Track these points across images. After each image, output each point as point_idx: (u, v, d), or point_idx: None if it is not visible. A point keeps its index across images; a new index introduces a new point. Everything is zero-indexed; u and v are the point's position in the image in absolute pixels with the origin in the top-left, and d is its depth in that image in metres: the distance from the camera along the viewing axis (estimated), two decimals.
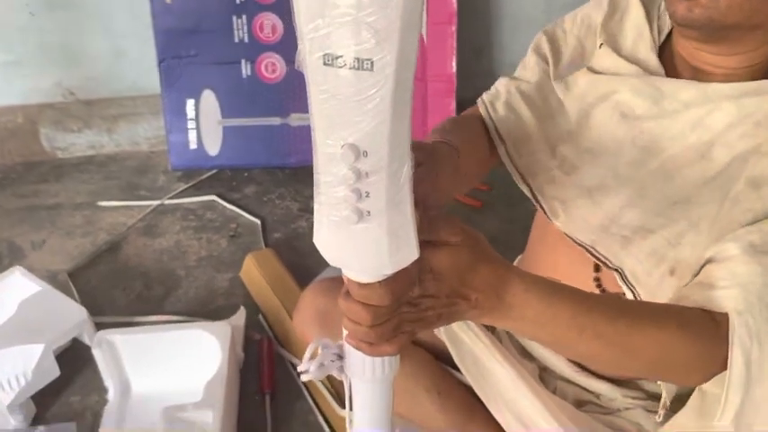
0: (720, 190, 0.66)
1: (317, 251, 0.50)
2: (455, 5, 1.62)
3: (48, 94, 1.86)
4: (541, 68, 0.83)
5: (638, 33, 0.77)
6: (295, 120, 1.70)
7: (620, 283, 0.71)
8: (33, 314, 1.14)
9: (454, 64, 1.66)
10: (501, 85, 0.84)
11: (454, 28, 1.63)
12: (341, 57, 0.40)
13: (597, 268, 0.78)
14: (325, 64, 0.40)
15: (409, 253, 0.47)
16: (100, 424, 1.07)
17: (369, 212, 0.45)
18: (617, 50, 0.77)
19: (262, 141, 1.70)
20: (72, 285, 1.40)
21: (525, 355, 0.90)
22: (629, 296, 0.71)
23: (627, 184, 0.73)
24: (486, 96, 0.85)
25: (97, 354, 1.07)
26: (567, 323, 0.55)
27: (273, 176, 1.77)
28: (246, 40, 1.64)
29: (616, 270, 0.72)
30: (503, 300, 0.52)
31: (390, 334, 0.51)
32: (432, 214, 0.49)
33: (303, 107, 1.69)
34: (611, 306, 0.58)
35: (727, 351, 0.56)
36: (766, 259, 0.58)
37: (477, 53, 1.98)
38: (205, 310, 1.36)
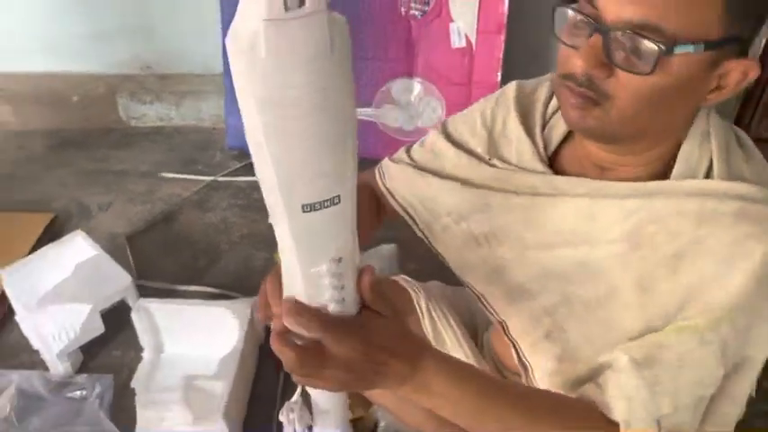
0: (597, 280, 0.69)
1: None
2: (505, 16, 1.64)
3: (128, 66, 2.02)
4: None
5: (519, 144, 0.79)
6: None
7: (504, 335, 0.77)
8: (86, 276, 1.30)
9: (499, 74, 1.70)
10: (400, 160, 0.92)
11: (502, 38, 1.66)
12: (314, 202, 0.51)
13: None
14: (303, 212, 0.52)
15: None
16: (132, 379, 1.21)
17: (344, 299, 0.57)
18: (506, 161, 0.80)
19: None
20: (128, 249, 1.56)
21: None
22: (512, 349, 0.76)
23: (507, 243, 0.77)
24: (382, 174, 0.93)
25: (135, 318, 1.22)
26: (473, 404, 0.60)
27: None
28: None
29: (500, 323, 0.77)
30: (416, 371, 0.58)
31: (313, 375, 0.56)
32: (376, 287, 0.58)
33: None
34: (515, 393, 0.63)
35: None
36: (647, 372, 0.62)
37: (533, 56, 2.00)
38: (241, 285, 1.48)
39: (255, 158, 0.50)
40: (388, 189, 0.91)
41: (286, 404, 0.70)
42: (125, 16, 1.92)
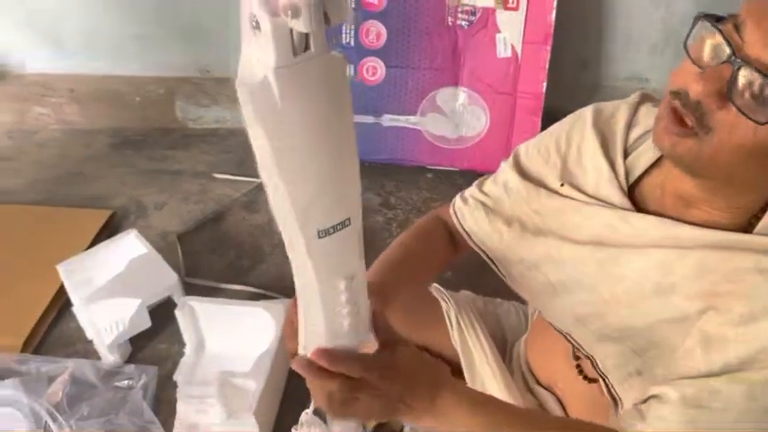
0: (676, 329, 0.67)
1: (387, 246, 0.66)
2: (552, 27, 1.64)
3: (186, 70, 2.11)
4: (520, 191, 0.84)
5: (596, 172, 0.75)
6: (387, 120, 1.82)
7: (593, 368, 0.76)
8: (137, 273, 1.38)
9: (545, 84, 1.69)
10: (473, 201, 0.89)
11: (549, 48, 1.66)
12: (328, 227, 0.55)
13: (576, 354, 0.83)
14: (319, 237, 0.55)
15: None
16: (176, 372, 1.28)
17: (358, 312, 0.61)
18: (579, 188, 0.77)
19: (356, 137, 1.84)
20: (179, 247, 1.64)
21: (528, 390, 0.99)
22: (602, 382, 0.75)
23: (583, 295, 0.74)
24: (459, 214, 0.90)
25: (179, 315, 1.28)
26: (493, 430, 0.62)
27: (362, 169, 1.90)
28: (353, 44, 1.77)
29: (588, 357, 0.77)
30: (434, 400, 0.60)
31: (349, 403, 0.60)
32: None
33: (396, 109, 1.81)
34: (535, 418, 0.65)
35: None
36: (692, 411, 0.62)
37: (582, 66, 1.98)
38: (280, 286, 1.53)
39: (272, 196, 0.53)
40: (465, 230, 0.89)
41: (301, 417, 0.73)
42: (186, 21, 2.01)
